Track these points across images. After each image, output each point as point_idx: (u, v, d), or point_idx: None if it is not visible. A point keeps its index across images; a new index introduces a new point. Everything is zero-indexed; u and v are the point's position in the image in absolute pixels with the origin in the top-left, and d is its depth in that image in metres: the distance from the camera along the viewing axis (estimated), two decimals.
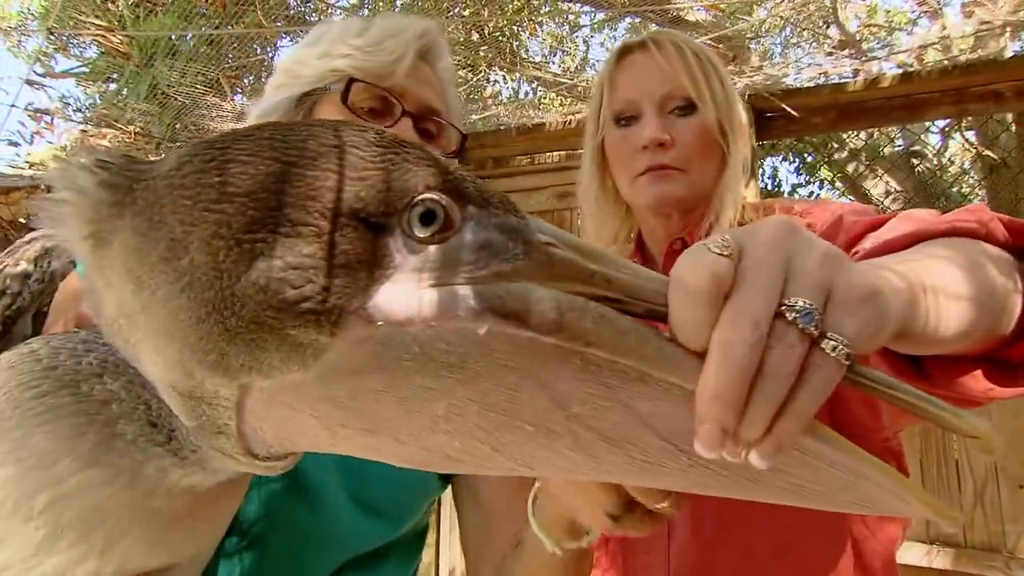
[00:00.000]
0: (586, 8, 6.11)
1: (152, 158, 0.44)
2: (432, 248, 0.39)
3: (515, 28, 5.78)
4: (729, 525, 1.03)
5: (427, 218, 0.39)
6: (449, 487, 1.02)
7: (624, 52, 1.17)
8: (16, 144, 5.42)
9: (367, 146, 0.40)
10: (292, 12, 5.81)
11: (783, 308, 0.37)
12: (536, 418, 0.39)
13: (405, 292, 0.38)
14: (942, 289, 0.55)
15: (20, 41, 6.41)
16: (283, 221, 0.37)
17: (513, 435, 0.39)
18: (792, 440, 0.38)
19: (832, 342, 0.37)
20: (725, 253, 0.38)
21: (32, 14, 6.66)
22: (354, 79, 0.90)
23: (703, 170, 1.12)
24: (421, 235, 0.39)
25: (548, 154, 3.86)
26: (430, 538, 3.16)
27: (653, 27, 5.60)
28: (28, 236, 0.60)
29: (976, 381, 0.66)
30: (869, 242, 0.80)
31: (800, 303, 0.37)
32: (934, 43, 3.49)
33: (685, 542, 1.05)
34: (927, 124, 5.84)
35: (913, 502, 0.39)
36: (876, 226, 0.87)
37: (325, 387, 0.39)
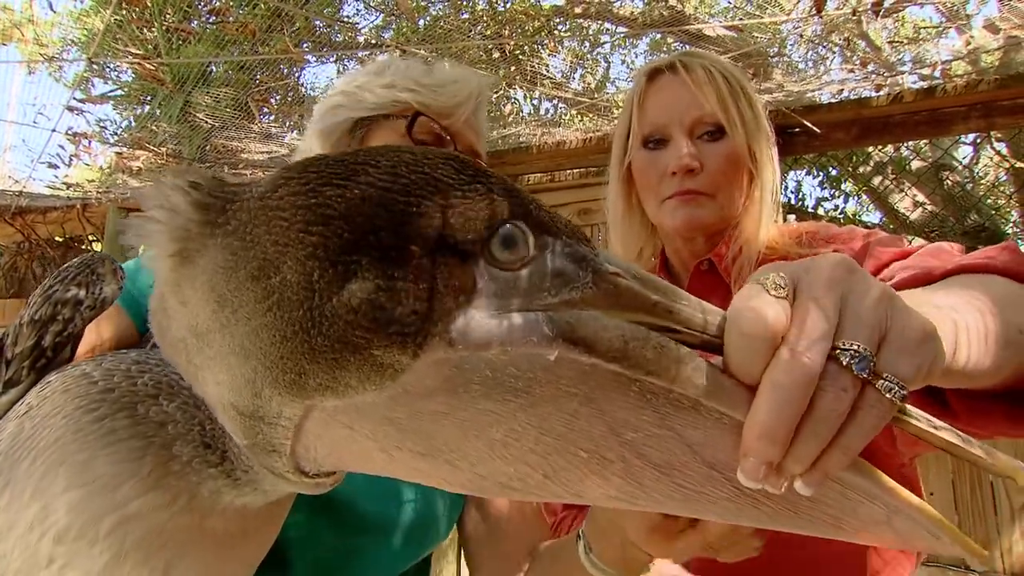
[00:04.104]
0: (607, 25, 6.15)
1: (240, 180, 0.45)
2: (510, 274, 0.40)
3: (535, 46, 5.84)
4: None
5: (509, 244, 0.40)
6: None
7: (653, 74, 1.17)
8: (55, 166, 5.62)
9: (455, 174, 0.41)
10: (318, 34, 5.97)
11: (837, 351, 0.38)
12: (591, 444, 0.40)
13: (485, 317, 0.39)
14: (975, 326, 0.56)
15: (61, 67, 6.68)
16: (376, 244, 0.38)
17: (567, 461, 0.41)
18: (836, 472, 0.39)
19: (887, 383, 0.38)
20: (781, 295, 0.39)
21: (73, 41, 6.94)
22: (420, 113, 0.98)
23: (731, 194, 1.12)
24: (502, 261, 0.40)
25: (568, 171, 3.88)
26: (450, 555, 3.15)
27: (671, 41, 5.60)
28: (76, 260, 0.61)
29: (999, 417, 0.65)
30: (898, 273, 0.79)
31: (854, 347, 0.38)
32: (961, 57, 3.44)
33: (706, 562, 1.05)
34: (957, 136, 5.72)
35: (945, 538, 0.40)
36: (903, 256, 0.87)
37: (391, 408, 0.40)
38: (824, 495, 0.40)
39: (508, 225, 0.40)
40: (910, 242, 0.97)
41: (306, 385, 0.40)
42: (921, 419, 0.40)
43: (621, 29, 6.01)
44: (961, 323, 0.55)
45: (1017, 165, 5.29)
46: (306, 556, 0.84)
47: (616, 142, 1.23)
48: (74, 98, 5.23)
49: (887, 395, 0.37)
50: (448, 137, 0.99)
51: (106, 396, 0.49)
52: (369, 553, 0.89)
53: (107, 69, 6.40)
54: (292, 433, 0.43)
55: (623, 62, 7.59)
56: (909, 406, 0.40)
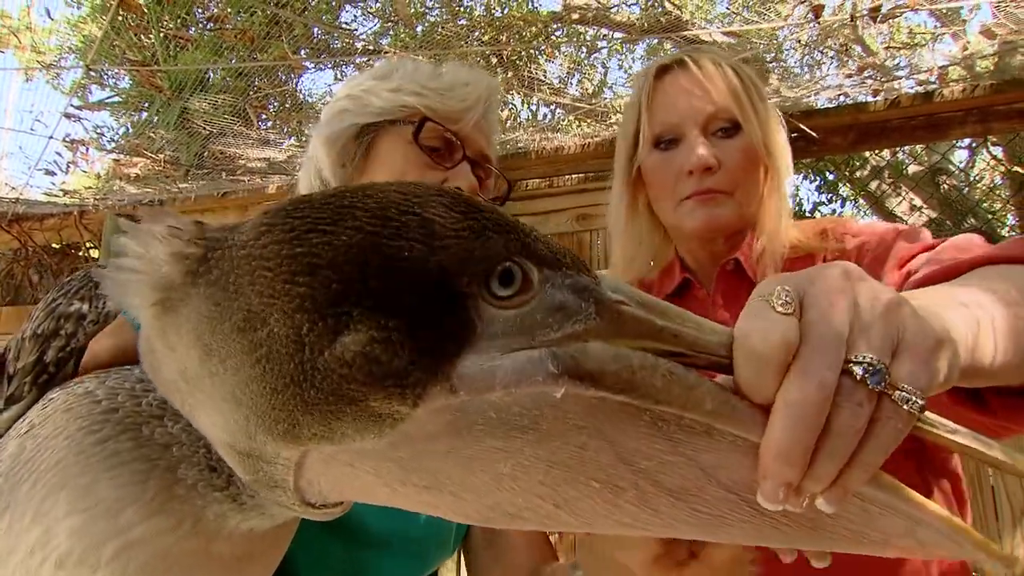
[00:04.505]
0: (604, 31, 6.17)
1: (221, 226, 0.43)
2: (511, 312, 0.39)
3: (533, 52, 5.86)
4: None
5: (507, 283, 0.39)
6: None
7: (661, 71, 1.12)
8: (52, 173, 5.61)
9: (447, 212, 0.39)
10: (316, 41, 5.98)
11: (850, 364, 0.37)
12: (602, 474, 0.39)
13: (487, 361, 0.38)
14: (1001, 320, 0.55)
15: (59, 75, 6.68)
16: (368, 294, 0.37)
17: (577, 491, 0.40)
18: (858, 488, 0.38)
19: (904, 394, 0.37)
20: (788, 311, 0.38)
21: (70, 48, 6.95)
22: (427, 118, 0.94)
23: (749, 192, 1.08)
24: (501, 299, 0.39)
25: (567, 177, 3.88)
26: (449, 563, 3.13)
27: (668, 47, 5.63)
28: (81, 273, 0.60)
29: None
30: (924, 267, 0.78)
31: (868, 359, 0.37)
32: (958, 62, 3.45)
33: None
34: (954, 141, 5.74)
35: (969, 546, 0.39)
36: (929, 249, 0.85)
37: (393, 450, 0.39)
38: (845, 510, 0.39)
39: (506, 263, 0.39)
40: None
41: (300, 434, 0.39)
42: (939, 425, 0.40)
43: (618, 35, 6.03)
44: (985, 320, 0.54)
45: (1013, 169, 5.32)
46: (314, 573, 0.82)
47: (620, 145, 1.18)
48: (71, 105, 5.23)
49: (904, 407, 0.37)
50: (457, 142, 0.96)
51: (109, 416, 0.47)
52: (378, 568, 0.87)
53: (104, 76, 6.41)
54: (292, 471, 0.42)
55: (621, 67, 7.63)
56: (928, 413, 0.39)
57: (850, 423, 0.36)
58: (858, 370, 0.36)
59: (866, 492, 0.39)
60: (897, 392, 0.37)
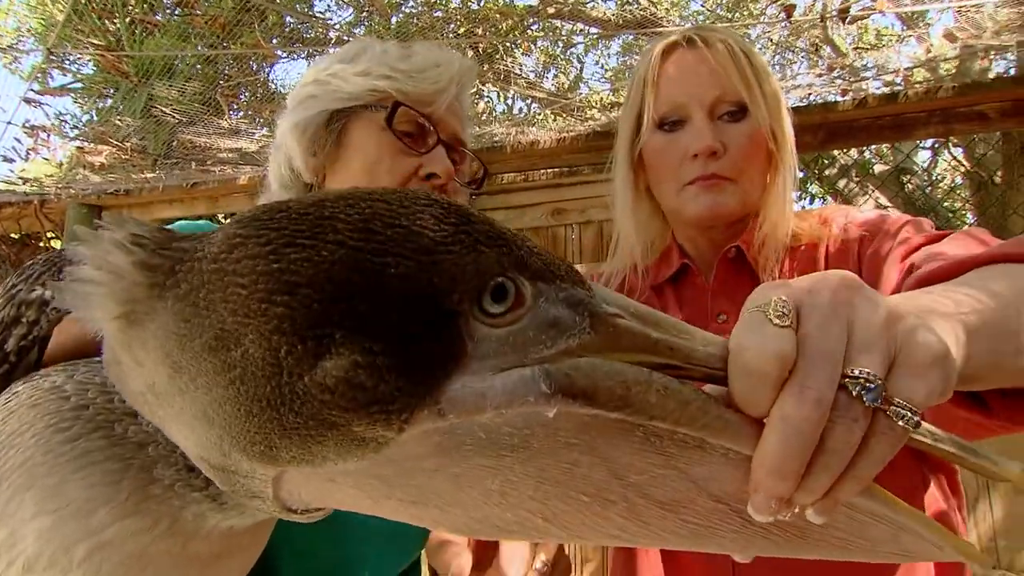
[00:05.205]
0: (579, 26, 6.19)
1: (190, 235, 0.40)
2: (502, 331, 0.37)
3: (509, 45, 5.84)
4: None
5: (500, 299, 0.37)
6: None
7: (669, 49, 1.07)
8: (10, 160, 5.42)
9: (436, 224, 0.37)
10: (289, 29, 5.87)
11: (847, 380, 0.36)
12: (592, 489, 0.39)
13: (476, 382, 0.36)
14: (1002, 323, 0.54)
15: (16, 58, 6.43)
16: (351, 314, 0.34)
17: (567, 505, 0.39)
18: (848, 500, 0.39)
19: (899, 410, 0.37)
20: (785, 324, 0.37)
21: (29, 31, 6.69)
22: (399, 103, 0.91)
23: (753, 179, 1.05)
24: (492, 317, 0.37)
25: (541, 171, 3.89)
26: None
27: (643, 43, 5.67)
28: (43, 258, 0.57)
29: None
30: (926, 263, 0.78)
31: (864, 375, 0.36)
32: (921, 64, 3.55)
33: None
34: (916, 142, 5.92)
35: (949, 549, 0.40)
36: (933, 241, 0.85)
37: (376, 468, 0.38)
38: (834, 519, 0.40)
39: (499, 278, 0.37)
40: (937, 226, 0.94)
41: (278, 457, 0.37)
42: (927, 435, 0.40)
43: (594, 30, 6.05)
44: (985, 322, 0.53)
45: (971, 170, 5.50)
46: (295, 564, 0.82)
47: (623, 125, 1.13)
48: (31, 90, 5.05)
49: (899, 423, 0.37)
50: (431, 126, 0.94)
51: (80, 413, 0.45)
52: (363, 557, 0.87)
53: (66, 61, 6.19)
54: (271, 484, 0.41)
55: (597, 63, 7.66)
56: (922, 424, 0.40)
57: (845, 439, 0.36)
58: (854, 386, 0.36)
59: (855, 502, 0.40)
60: (892, 408, 0.37)
